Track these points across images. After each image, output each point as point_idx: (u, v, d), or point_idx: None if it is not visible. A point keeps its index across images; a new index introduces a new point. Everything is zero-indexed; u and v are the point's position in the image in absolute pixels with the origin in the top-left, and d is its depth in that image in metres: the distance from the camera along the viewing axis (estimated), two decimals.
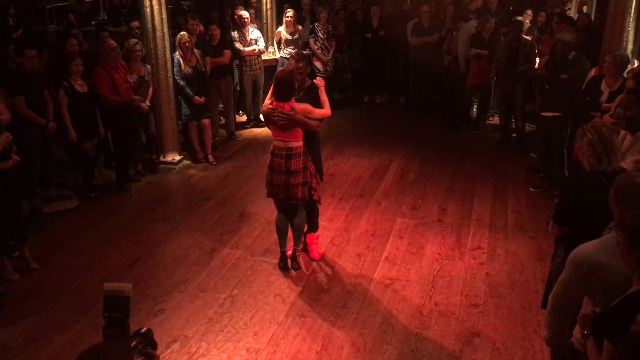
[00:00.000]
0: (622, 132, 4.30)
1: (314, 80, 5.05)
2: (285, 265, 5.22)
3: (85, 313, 4.59)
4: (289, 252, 5.26)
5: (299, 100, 4.85)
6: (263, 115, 4.98)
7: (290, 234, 5.24)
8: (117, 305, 1.86)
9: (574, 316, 2.81)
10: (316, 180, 5.08)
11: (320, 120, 4.98)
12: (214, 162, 7.75)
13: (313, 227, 5.42)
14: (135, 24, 7.77)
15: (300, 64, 5.00)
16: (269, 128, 5.01)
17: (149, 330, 1.95)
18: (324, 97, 5.00)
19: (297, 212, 5.09)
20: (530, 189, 6.81)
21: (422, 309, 4.64)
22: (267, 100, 4.87)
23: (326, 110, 4.98)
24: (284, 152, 4.82)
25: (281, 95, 4.73)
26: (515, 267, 5.24)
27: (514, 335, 4.33)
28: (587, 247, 2.69)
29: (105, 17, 12.96)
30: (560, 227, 3.44)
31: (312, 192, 5.05)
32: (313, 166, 5.00)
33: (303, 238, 5.37)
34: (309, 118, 4.82)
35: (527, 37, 8.14)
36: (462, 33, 8.74)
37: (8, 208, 4.99)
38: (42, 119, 6.04)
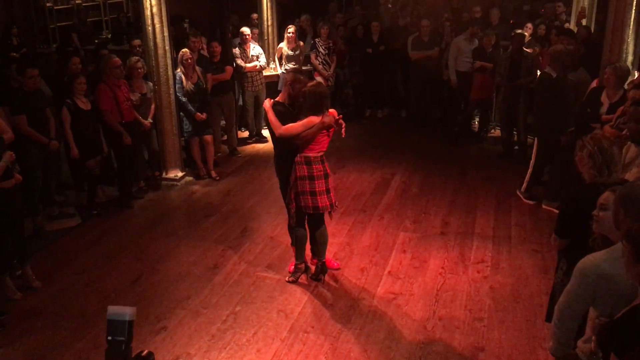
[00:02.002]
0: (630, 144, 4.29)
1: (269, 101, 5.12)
2: (297, 279, 5.24)
3: (87, 332, 4.57)
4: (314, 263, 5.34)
5: (297, 113, 4.96)
6: (323, 126, 4.82)
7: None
8: (120, 329, 1.86)
9: (579, 327, 2.79)
10: None
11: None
12: (217, 178, 7.76)
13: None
14: (137, 42, 7.83)
15: (300, 77, 5.05)
16: (306, 141, 4.86)
17: (150, 354, 1.94)
18: None
19: (322, 226, 5.14)
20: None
21: (426, 324, 4.61)
22: (311, 118, 4.82)
23: None
24: (318, 158, 4.94)
25: (327, 107, 4.90)
26: (519, 280, 5.21)
27: (519, 349, 4.29)
28: (594, 258, 2.68)
29: (109, 36, 13.05)
30: (562, 240, 3.42)
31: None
32: None
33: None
34: None
35: (528, 50, 8.17)
36: (453, 47, 8.83)
37: (10, 227, 4.99)
38: (45, 137, 6.07)
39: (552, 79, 6.34)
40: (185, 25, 10.04)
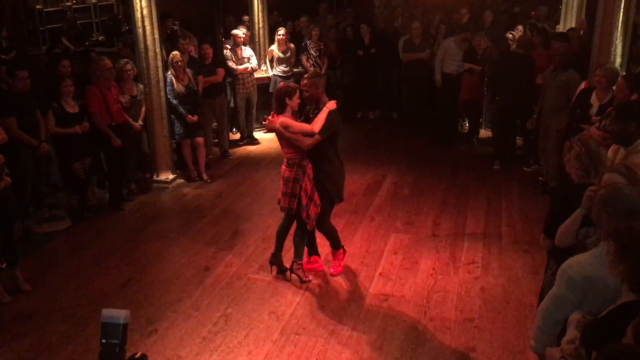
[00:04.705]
0: (614, 145, 4.32)
1: (329, 102, 5.02)
2: (272, 271, 5.37)
3: (78, 335, 4.55)
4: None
5: (312, 119, 4.97)
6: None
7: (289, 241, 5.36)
8: (114, 332, 1.87)
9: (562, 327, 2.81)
10: (313, 206, 5.07)
11: (310, 136, 4.91)
12: (209, 180, 7.75)
13: (332, 245, 5.44)
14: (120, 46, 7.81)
15: (305, 81, 5.02)
16: None
17: (144, 356, 1.95)
18: (319, 116, 4.93)
19: (298, 226, 5.16)
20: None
21: (417, 325, 4.62)
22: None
23: (309, 126, 4.90)
24: (284, 160, 5.05)
25: (274, 108, 5.02)
26: (510, 280, 5.23)
27: (510, 349, 4.31)
28: (579, 261, 2.68)
29: (99, 38, 13.01)
30: (551, 240, 3.44)
31: (303, 215, 5.07)
32: (311, 187, 5.03)
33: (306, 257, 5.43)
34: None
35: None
36: (441, 48, 8.88)
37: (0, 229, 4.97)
38: (34, 139, 6.04)
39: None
40: (176, 27, 10.02)
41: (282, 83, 5.20)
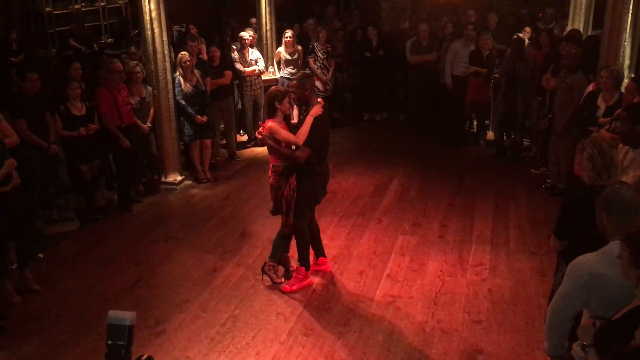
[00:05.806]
0: (624, 147, 4.32)
1: (313, 108, 4.85)
2: (271, 279, 5.31)
3: (87, 335, 4.58)
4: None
5: (299, 122, 4.94)
6: None
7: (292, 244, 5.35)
8: (120, 333, 1.88)
9: (574, 328, 2.81)
10: (289, 212, 5.06)
11: (295, 148, 4.83)
12: (211, 179, 7.83)
13: (300, 259, 5.20)
14: (133, 50, 7.84)
15: (292, 82, 4.99)
16: None
17: (150, 358, 1.97)
18: (303, 127, 4.79)
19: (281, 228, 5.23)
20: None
21: (425, 326, 4.62)
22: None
23: (294, 138, 4.79)
24: (269, 167, 5.06)
25: (265, 112, 5.01)
26: (518, 283, 5.22)
27: (517, 351, 4.30)
28: (586, 259, 2.70)
29: (107, 41, 13.05)
30: (561, 242, 3.44)
31: (283, 220, 5.14)
32: (287, 194, 5.00)
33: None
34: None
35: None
36: (450, 51, 8.87)
37: (10, 231, 5.00)
38: (44, 141, 6.08)
39: None
40: (184, 29, 10.07)
41: (273, 87, 5.07)
